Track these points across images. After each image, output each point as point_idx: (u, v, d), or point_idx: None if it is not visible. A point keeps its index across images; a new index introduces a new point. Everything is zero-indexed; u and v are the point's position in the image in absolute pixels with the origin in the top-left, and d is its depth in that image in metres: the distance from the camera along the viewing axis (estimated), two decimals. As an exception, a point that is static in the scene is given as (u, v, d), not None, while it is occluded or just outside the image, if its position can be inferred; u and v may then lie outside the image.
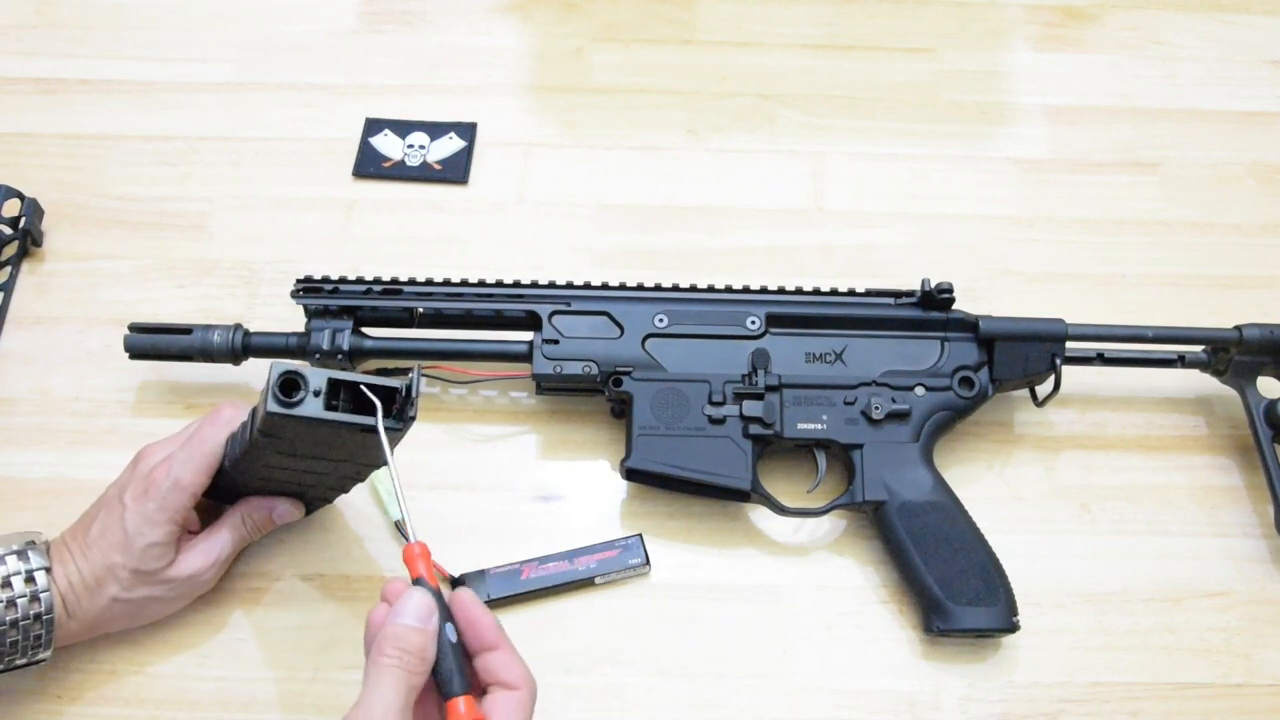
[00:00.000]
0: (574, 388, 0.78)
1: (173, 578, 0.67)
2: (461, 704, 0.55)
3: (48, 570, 0.63)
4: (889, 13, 1.01)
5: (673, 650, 0.73)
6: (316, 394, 0.56)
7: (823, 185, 0.92)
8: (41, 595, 0.62)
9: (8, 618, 0.61)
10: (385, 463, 0.65)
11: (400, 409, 0.58)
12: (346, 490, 0.71)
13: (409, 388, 0.58)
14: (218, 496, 0.69)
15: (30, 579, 0.62)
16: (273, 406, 0.56)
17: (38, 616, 0.62)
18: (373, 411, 0.57)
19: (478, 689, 0.57)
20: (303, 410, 0.56)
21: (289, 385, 0.56)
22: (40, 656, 0.64)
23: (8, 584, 0.62)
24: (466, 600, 0.58)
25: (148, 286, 0.85)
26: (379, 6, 0.99)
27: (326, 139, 0.92)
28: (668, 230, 0.89)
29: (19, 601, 0.62)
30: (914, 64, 0.99)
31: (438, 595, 0.57)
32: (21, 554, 0.63)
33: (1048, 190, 0.92)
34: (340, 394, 0.57)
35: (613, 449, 0.79)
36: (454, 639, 0.57)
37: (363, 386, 0.57)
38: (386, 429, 0.58)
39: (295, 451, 0.62)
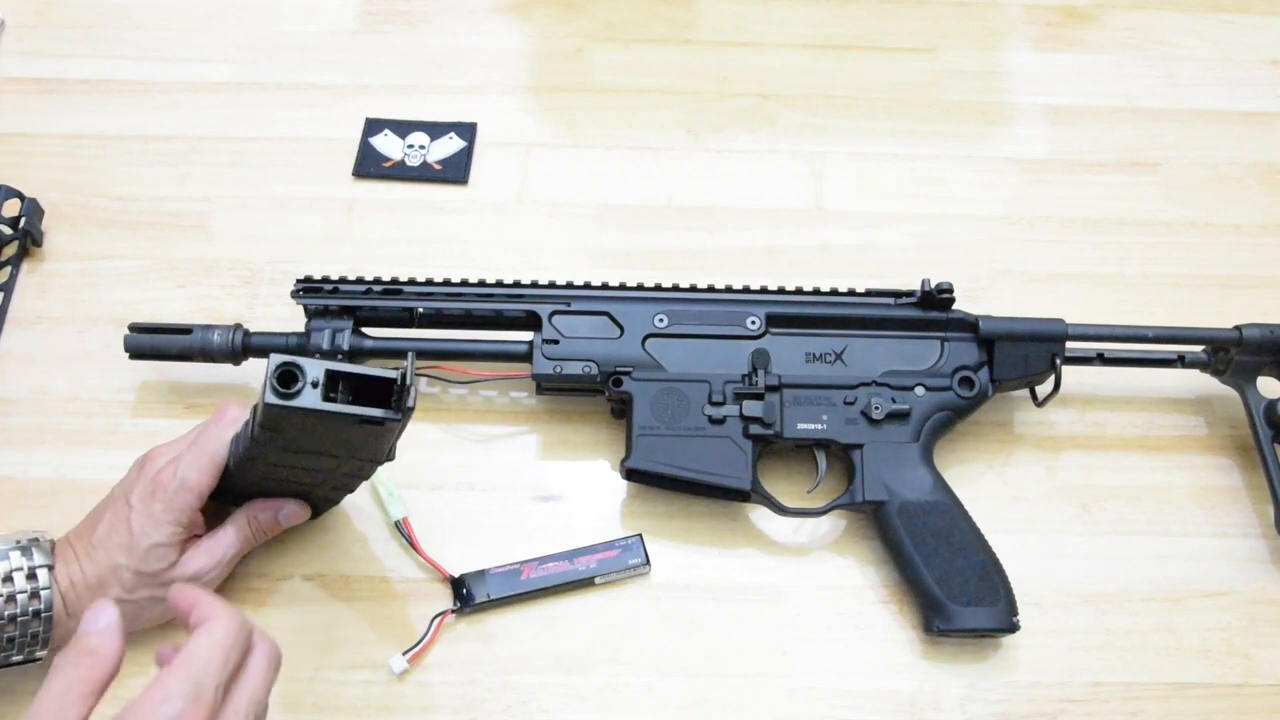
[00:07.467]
0: (574, 388, 0.78)
1: (176, 578, 0.66)
2: None
3: (50, 568, 0.63)
4: (889, 13, 1.01)
5: (673, 650, 0.73)
6: (314, 385, 0.57)
7: (823, 185, 0.92)
8: (42, 592, 0.63)
9: (6, 613, 0.62)
10: (388, 457, 0.65)
11: (397, 399, 0.58)
12: (352, 489, 0.71)
13: (403, 376, 0.58)
14: (225, 499, 0.69)
15: (32, 575, 0.63)
16: (271, 398, 0.57)
17: (37, 614, 0.62)
18: (371, 403, 0.58)
19: None
20: (301, 401, 0.57)
21: (287, 376, 0.57)
22: (38, 655, 0.64)
23: (9, 579, 0.62)
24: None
25: (148, 286, 0.85)
26: (379, 6, 0.99)
27: (326, 139, 0.92)
28: (668, 230, 0.89)
29: (19, 597, 0.62)
30: (914, 64, 0.99)
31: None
32: (25, 550, 0.63)
33: (1048, 190, 0.92)
34: (338, 386, 0.58)
35: (613, 449, 0.79)
36: None
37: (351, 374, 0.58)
38: (385, 419, 0.58)
39: (297, 447, 0.62)
